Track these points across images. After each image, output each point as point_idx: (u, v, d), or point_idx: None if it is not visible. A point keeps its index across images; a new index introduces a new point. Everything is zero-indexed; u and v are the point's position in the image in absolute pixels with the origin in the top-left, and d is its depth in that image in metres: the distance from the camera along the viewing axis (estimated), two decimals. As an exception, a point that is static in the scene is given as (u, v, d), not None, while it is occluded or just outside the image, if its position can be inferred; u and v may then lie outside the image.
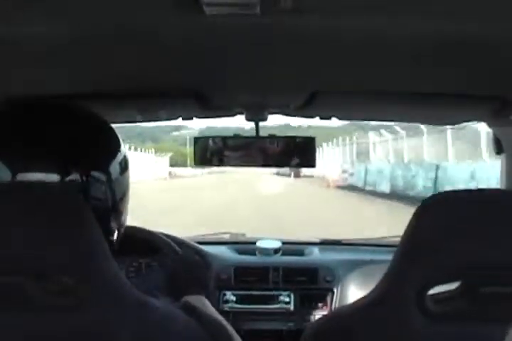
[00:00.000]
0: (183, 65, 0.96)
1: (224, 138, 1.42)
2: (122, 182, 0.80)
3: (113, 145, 0.80)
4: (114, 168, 0.77)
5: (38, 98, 0.82)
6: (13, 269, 0.59)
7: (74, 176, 0.71)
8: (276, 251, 1.92)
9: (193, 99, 1.19)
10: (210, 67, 0.98)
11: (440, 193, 0.69)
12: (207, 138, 1.45)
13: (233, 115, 1.50)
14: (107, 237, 0.78)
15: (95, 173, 0.74)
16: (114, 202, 0.78)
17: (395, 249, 0.70)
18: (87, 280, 0.60)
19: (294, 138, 1.43)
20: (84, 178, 0.72)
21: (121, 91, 1.10)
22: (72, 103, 0.79)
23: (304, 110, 1.34)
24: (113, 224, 0.78)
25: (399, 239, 0.70)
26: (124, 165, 0.80)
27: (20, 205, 0.60)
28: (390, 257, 0.71)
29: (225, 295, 1.75)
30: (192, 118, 1.47)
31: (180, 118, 1.46)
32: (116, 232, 0.80)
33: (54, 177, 0.70)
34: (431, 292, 0.67)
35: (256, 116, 1.44)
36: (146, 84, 1.09)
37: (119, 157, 0.79)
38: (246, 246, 2.03)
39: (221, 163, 1.41)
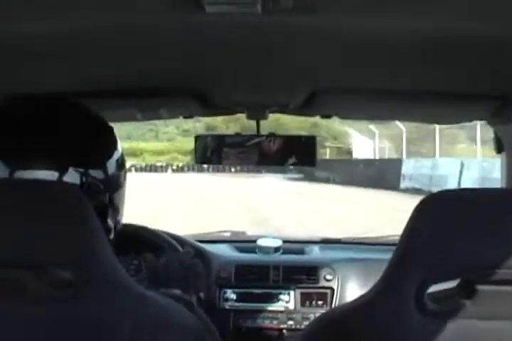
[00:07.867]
0: (183, 63, 0.96)
1: (224, 137, 1.42)
2: (119, 180, 0.80)
3: (111, 142, 0.80)
4: (111, 164, 0.78)
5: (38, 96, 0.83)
6: (12, 262, 0.59)
7: (71, 173, 0.72)
8: (276, 249, 1.92)
9: (193, 97, 1.19)
10: (211, 65, 0.98)
11: (439, 192, 0.69)
12: (207, 136, 1.44)
13: (234, 113, 1.50)
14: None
15: (93, 169, 0.74)
16: (111, 199, 0.78)
17: (394, 247, 0.70)
18: (87, 271, 0.60)
19: (295, 136, 1.43)
20: (81, 175, 0.72)
21: (121, 90, 1.10)
22: (70, 100, 0.79)
23: (304, 108, 1.34)
24: (109, 221, 0.79)
25: (398, 237, 0.70)
26: (121, 163, 0.81)
27: (19, 200, 0.60)
28: (389, 256, 0.71)
29: (225, 293, 1.76)
30: (192, 117, 1.47)
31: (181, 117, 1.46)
32: (112, 229, 0.80)
33: (52, 175, 0.70)
34: (430, 290, 0.67)
35: (256, 114, 1.44)
36: (146, 83, 1.09)
37: (116, 154, 0.80)
38: (247, 244, 2.04)
39: (220, 161, 1.41)
